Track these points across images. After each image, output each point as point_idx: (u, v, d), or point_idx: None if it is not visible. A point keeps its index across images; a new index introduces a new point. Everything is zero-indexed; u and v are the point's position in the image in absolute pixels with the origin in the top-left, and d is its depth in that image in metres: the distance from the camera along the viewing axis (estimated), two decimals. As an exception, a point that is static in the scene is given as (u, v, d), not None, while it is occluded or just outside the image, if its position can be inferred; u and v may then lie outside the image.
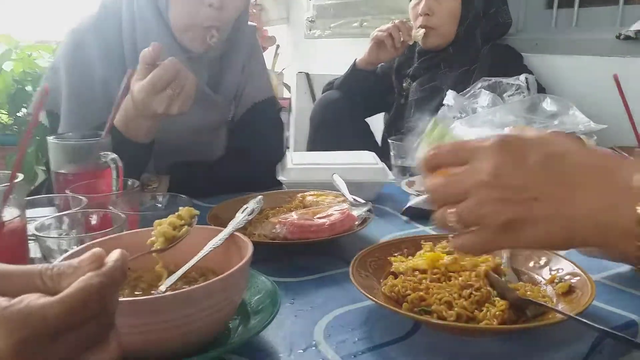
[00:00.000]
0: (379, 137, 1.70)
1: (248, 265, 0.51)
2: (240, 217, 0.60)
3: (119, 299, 0.35)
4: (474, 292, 0.55)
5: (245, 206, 0.64)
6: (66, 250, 0.56)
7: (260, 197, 0.67)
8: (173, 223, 0.55)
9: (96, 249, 0.34)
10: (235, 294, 0.51)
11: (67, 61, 1.01)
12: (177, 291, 0.47)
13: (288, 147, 2.39)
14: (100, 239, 0.57)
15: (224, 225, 0.60)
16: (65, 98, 1.00)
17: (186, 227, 0.55)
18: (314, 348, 0.53)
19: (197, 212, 0.58)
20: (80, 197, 0.69)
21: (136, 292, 0.54)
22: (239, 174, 1.07)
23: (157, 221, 0.56)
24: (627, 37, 1.24)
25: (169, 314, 0.45)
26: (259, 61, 1.21)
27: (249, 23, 1.20)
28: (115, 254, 0.34)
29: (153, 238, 0.55)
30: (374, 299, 0.55)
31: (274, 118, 1.22)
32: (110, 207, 0.67)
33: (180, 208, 0.57)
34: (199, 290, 0.46)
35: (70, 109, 1.00)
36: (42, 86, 0.64)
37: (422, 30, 1.40)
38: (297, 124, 2.27)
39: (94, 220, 0.66)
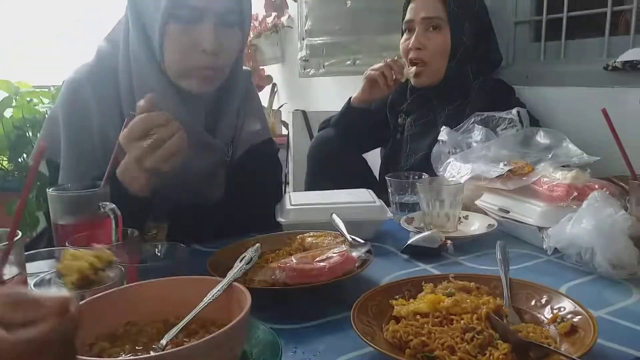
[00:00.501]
0: (376, 171, 1.71)
1: (248, 317, 0.51)
2: (238, 267, 0.61)
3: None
4: (476, 336, 0.54)
5: (243, 255, 0.64)
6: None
7: (257, 245, 0.67)
8: (93, 263, 0.56)
9: (63, 295, 0.34)
10: (236, 346, 0.50)
11: (64, 112, 1.02)
12: (179, 348, 0.47)
13: (287, 183, 2.41)
14: (100, 294, 0.57)
15: (224, 272, 0.60)
16: (64, 148, 1.01)
17: (104, 273, 0.56)
18: (318, 399, 0.52)
19: (114, 259, 0.62)
20: (79, 250, 0.69)
21: (137, 347, 0.54)
22: (238, 216, 1.07)
23: (71, 252, 0.57)
24: (615, 68, 1.26)
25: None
26: (255, 103, 1.23)
27: (245, 68, 1.22)
28: (73, 304, 0.34)
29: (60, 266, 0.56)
30: (376, 346, 0.54)
31: (272, 159, 1.24)
32: (110, 259, 0.67)
33: (102, 249, 0.58)
34: (201, 346, 0.46)
35: (69, 160, 1.01)
36: (38, 142, 0.65)
37: (413, 69, 1.43)
38: (295, 161, 2.29)
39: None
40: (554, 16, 1.57)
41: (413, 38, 1.44)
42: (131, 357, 0.48)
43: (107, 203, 0.81)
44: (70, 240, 0.74)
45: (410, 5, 1.47)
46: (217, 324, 0.56)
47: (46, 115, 1.08)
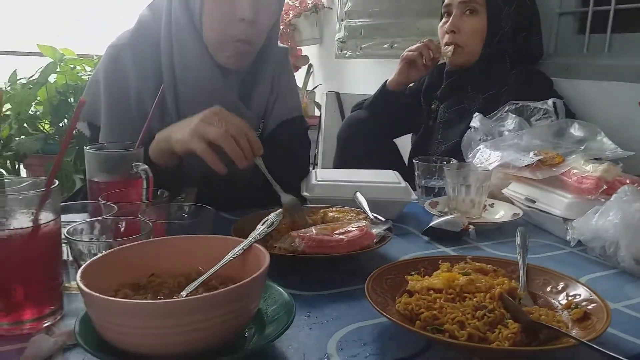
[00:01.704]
0: (406, 157, 1.70)
1: (264, 276, 0.53)
2: (260, 229, 0.62)
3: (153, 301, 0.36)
4: (487, 314, 0.55)
5: (265, 219, 0.66)
6: (95, 254, 0.60)
7: (280, 210, 0.69)
8: None
9: None
10: (251, 302, 0.52)
11: (105, 75, 1.06)
12: (194, 296, 0.49)
13: (316, 164, 2.42)
14: (127, 245, 0.60)
15: (247, 236, 0.62)
16: (104, 112, 1.05)
17: None
18: (326, 360, 0.54)
19: None
20: (111, 204, 0.73)
21: (159, 297, 0.57)
22: (265, 189, 1.09)
23: None
24: (660, 64, 1.22)
25: (186, 317, 0.47)
26: (290, 80, 1.25)
27: (282, 45, 1.24)
28: None
29: None
30: (388, 315, 0.56)
31: (302, 136, 1.25)
32: (139, 215, 0.70)
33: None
34: (215, 297, 0.48)
35: (109, 121, 1.05)
36: (80, 99, 0.68)
37: (451, 47, 1.42)
38: (325, 142, 2.29)
39: (122, 227, 0.69)
40: (601, 8, 1.52)
41: (449, 21, 1.42)
42: (149, 301, 0.50)
43: (140, 164, 0.84)
44: (103, 196, 0.77)
45: (450, -11, 1.45)
46: (237, 281, 0.58)
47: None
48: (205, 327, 0.48)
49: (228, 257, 0.58)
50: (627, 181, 0.89)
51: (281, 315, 0.56)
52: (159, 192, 0.82)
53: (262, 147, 0.89)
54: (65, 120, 2.62)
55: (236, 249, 0.58)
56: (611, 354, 0.47)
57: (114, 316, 0.48)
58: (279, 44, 1.25)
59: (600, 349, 0.47)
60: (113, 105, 1.05)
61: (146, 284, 0.59)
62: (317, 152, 2.39)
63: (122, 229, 0.69)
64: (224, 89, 1.07)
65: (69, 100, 2.63)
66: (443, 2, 1.48)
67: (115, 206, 0.72)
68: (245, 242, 0.59)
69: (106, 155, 0.86)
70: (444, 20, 1.47)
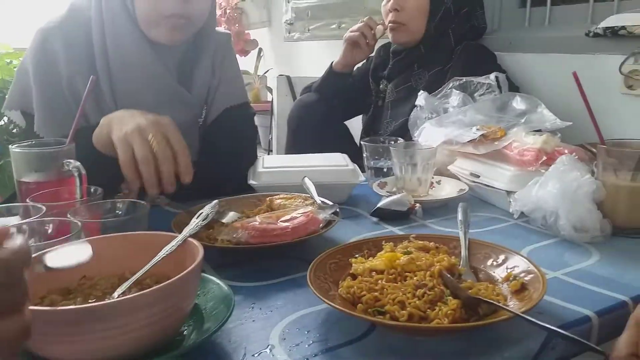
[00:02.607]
0: (357, 138, 1.70)
1: (197, 271, 0.51)
2: (194, 223, 0.60)
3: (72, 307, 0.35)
4: (427, 292, 0.55)
5: (200, 211, 0.64)
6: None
7: (215, 201, 0.67)
8: None
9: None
10: (185, 300, 0.51)
11: (34, 60, 1.01)
12: (126, 297, 0.47)
13: (271, 150, 2.39)
14: (56, 247, 0.57)
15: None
16: (36, 97, 1.00)
17: None
18: (268, 351, 0.53)
19: None
20: (39, 205, 0.69)
21: (90, 300, 0.54)
22: (212, 178, 1.06)
23: None
24: (596, 35, 1.25)
25: (117, 320, 0.45)
26: (234, 66, 1.22)
27: (224, 30, 1.20)
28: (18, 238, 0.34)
29: None
30: (329, 302, 0.55)
31: (247, 123, 1.23)
32: (68, 215, 0.67)
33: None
34: (148, 295, 0.46)
35: (42, 107, 1.00)
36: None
37: (389, 25, 1.41)
38: (279, 127, 2.27)
39: (50, 229, 0.65)
40: (540, -19, 1.55)
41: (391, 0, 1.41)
42: (77, 307, 0.48)
43: (72, 161, 0.80)
44: (32, 197, 0.73)
45: (391, -33, 1.44)
46: (171, 275, 0.56)
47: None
48: (137, 328, 0.46)
49: (161, 254, 0.56)
50: (566, 151, 0.91)
51: (220, 310, 0.54)
52: (92, 190, 0.78)
53: (191, 174, 0.83)
54: (5, 119, 2.49)
55: (169, 245, 0.56)
56: (544, 324, 0.48)
57: (37, 325, 0.45)
58: (221, 29, 1.21)
59: (534, 320, 0.48)
60: (45, 90, 1.00)
61: (77, 287, 0.56)
62: (271, 138, 2.36)
63: (51, 231, 0.65)
64: (156, 67, 1.03)
65: (6, 96, 2.50)
66: (385, -21, 1.47)
67: (43, 207, 0.68)
68: (179, 238, 0.57)
69: (35, 154, 0.81)
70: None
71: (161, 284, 0.46)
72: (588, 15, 1.42)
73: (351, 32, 1.48)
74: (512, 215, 0.90)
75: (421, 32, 1.42)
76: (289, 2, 2.25)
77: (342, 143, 1.60)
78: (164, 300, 0.47)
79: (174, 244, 0.56)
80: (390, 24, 1.42)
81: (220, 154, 1.10)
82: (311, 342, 0.55)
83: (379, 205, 0.95)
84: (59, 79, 1.00)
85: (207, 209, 0.64)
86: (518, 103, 1.10)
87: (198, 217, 0.62)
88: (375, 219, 0.94)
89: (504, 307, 0.52)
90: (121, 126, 0.84)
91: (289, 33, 2.28)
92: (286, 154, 1.64)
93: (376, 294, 0.56)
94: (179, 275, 0.47)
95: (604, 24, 1.25)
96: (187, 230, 0.58)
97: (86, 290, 0.56)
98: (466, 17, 1.45)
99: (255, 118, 2.64)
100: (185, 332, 0.54)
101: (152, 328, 0.47)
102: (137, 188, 0.81)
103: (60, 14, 1.04)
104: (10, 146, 0.81)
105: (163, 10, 0.97)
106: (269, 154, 2.42)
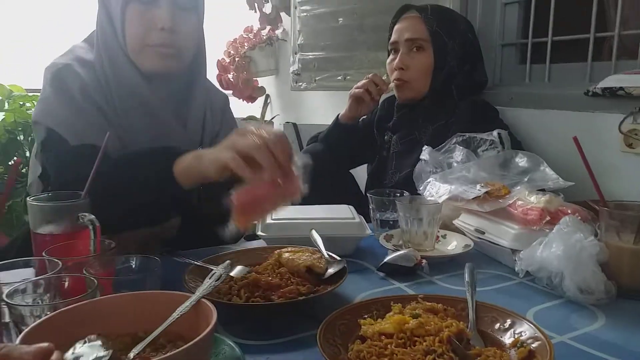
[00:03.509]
0: (363, 187, 1.73)
1: (212, 333, 0.52)
2: (207, 283, 0.62)
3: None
4: (436, 358, 0.56)
5: (212, 272, 0.65)
6: (39, 316, 0.57)
7: (228, 262, 0.69)
8: None
9: (46, 345, 0.35)
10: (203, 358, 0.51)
11: (52, 85, 1.05)
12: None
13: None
14: (73, 305, 0.58)
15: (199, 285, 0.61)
16: (60, 111, 1.03)
17: None
18: (278, 417, 0.53)
19: None
20: (55, 260, 0.70)
21: (104, 361, 0.55)
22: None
23: None
24: (595, 94, 1.29)
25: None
26: (231, 124, 1.28)
27: (223, 92, 1.28)
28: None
29: None
30: (339, 366, 0.56)
31: None
32: (85, 271, 0.68)
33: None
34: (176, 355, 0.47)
35: (66, 123, 1.03)
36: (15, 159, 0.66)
37: (392, 84, 1.47)
38: (284, 173, 2.30)
39: (67, 284, 0.66)
40: (539, 40, 1.60)
41: (397, 59, 1.47)
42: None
43: (87, 214, 0.82)
44: (47, 250, 0.75)
45: (396, 27, 1.50)
46: (185, 338, 0.57)
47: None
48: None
49: (175, 314, 0.57)
50: (569, 211, 0.92)
51: (232, 373, 0.55)
52: (106, 243, 0.79)
53: (293, 153, 0.82)
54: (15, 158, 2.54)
55: (183, 306, 0.57)
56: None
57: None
58: (220, 90, 1.28)
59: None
60: (63, 109, 1.04)
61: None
62: (277, 183, 2.40)
63: (67, 286, 0.67)
64: (152, 100, 1.08)
65: (18, 138, 2.55)
66: (389, 37, 1.53)
67: (59, 262, 0.70)
68: (193, 298, 0.58)
69: (50, 207, 0.84)
70: (391, 57, 1.52)
71: (183, 347, 0.47)
72: (586, 74, 1.47)
73: (356, 88, 1.53)
74: (517, 273, 0.91)
75: (425, 89, 1.47)
76: (296, 54, 2.32)
77: (348, 191, 1.63)
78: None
79: (187, 304, 0.57)
80: (395, 81, 1.47)
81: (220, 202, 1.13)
82: (321, 407, 0.55)
83: (385, 260, 0.96)
84: (76, 102, 1.04)
85: (221, 269, 0.65)
86: (520, 161, 1.13)
87: (211, 277, 0.63)
88: (382, 274, 0.95)
89: (513, 376, 0.52)
90: (215, 149, 0.86)
91: (296, 83, 2.34)
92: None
93: (386, 359, 0.57)
94: (198, 338, 0.48)
95: (602, 84, 1.29)
96: (200, 291, 0.60)
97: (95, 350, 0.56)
98: (468, 72, 1.50)
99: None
100: (196, 395, 0.54)
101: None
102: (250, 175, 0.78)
103: (63, 55, 1.10)
104: (28, 199, 0.83)
105: (151, 40, 1.04)
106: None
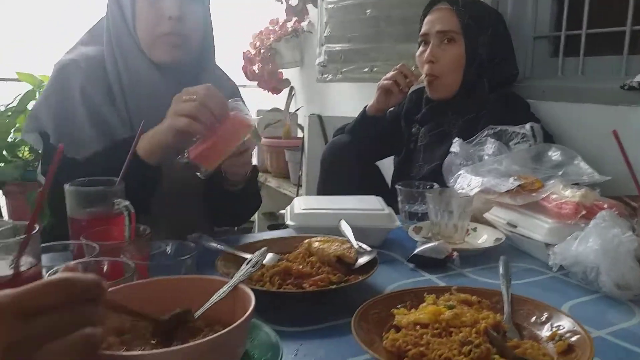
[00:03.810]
0: (389, 179, 1.72)
1: (250, 319, 0.53)
2: (244, 269, 0.62)
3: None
4: (473, 349, 0.55)
5: (249, 258, 0.66)
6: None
7: (265, 248, 0.69)
8: None
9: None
10: (238, 346, 0.52)
11: (52, 85, 1.09)
12: (182, 345, 0.49)
13: (301, 185, 2.42)
14: (112, 289, 0.59)
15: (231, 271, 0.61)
16: (51, 115, 1.07)
17: None
18: (314, 403, 0.54)
19: None
20: (93, 244, 0.72)
21: (141, 343, 0.56)
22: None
23: None
24: (631, 88, 1.26)
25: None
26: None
27: (231, 83, 1.30)
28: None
29: None
30: (375, 354, 0.55)
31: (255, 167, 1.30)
32: (122, 255, 0.69)
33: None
34: (204, 344, 0.48)
35: (56, 124, 1.07)
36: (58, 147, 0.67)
37: (422, 77, 1.45)
38: (309, 164, 2.30)
39: (105, 268, 0.68)
40: (573, 32, 1.57)
41: (427, 51, 1.45)
42: (141, 353, 0.50)
43: (122, 200, 0.83)
44: (84, 235, 0.76)
45: (427, 19, 1.48)
46: (223, 323, 0.58)
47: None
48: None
49: (213, 298, 0.58)
50: (605, 206, 0.91)
51: (268, 358, 0.55)
52: (141, 229, 0.81)
53: (224, 100, 0.95)
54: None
55: (221, 290, 0.58)
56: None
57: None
58: (230, 78, 1.31)
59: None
60: (59, 108, 1.07)
61: (130, 327, 0.58)
62: (301, 174, 2.40)
63: (105, 270, 0.68)
64: (163, 87, 1.10)
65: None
66: (420, 29, 1.51)
67: (97, 246, 0.71)
68: (231, 283, 0.59)
69: (87, 192, 0.85)
70: (421, 49, 1.50)
71: (223, 331, 0.48)
72: (622, 67, 1.43)
73: (385, 80, 1.51)
74: (550, 268, 0.90)
75: (457, 85, 1.44)
76: (322, 45, 2.31)
77: (374, 184, 1.63)
78: (224, 346, 0.48)
79: (226, 289, 0.58)
80: (426, 77, 1.45)
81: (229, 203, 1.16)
82: (357, 394, 0.55)
83: (416, 251, 0.95)
84: (73, 97, 1.07)
85: (257, 256, 0.66)
86: (554, 154, 1.11)
87: (248, 263, 0.64)
88: (411, 265, 0.95)
89: (554, 369, 0.52)
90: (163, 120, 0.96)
91: (322, 75, 2.33)
92: (318, 192, 1.66)
93: (422, 348, 0.57)
94: (237, 322, 0.49)
95: (638, 77, 1.26)
96: (237, 277, 0.60)
97: (141, 330, 0.57)
98: (499, 65, 1.48)
99: (286, 154, 2.68)
100: (233, 379, 0.55)
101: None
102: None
103: (74, 52, 1.13)
104: (65, 185, 0.84)
105: (160, 30, 1.07)
106: (298, 190, 2.44)
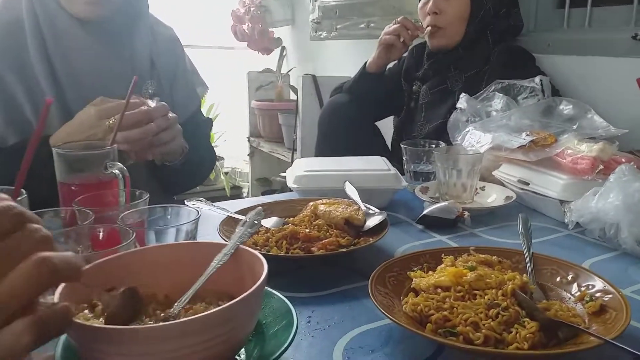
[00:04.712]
0: (388, 141, 1.67)
1: (264, 285, 0.48)
2: (240, 231, 0.58)
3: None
4: (501, 312, 0.52)
5: (244, 219, 0.61)
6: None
7: (259, 208, 0.65)
8: None
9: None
10: (252, 316, 0.48)
11: None
12: (191, 317, 0.44)
13: (295, 149, 2.37)
14: (109, 257, 0.55)
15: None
16: None
17: None
18: (333, 373, 0.50)
19: None
20: (87, 210, 0.67)
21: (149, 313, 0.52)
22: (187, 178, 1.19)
23: None
24: (645, 38, 1.20)
25: (182, 339, 0.43)
26: (186, 71, 1.25)
27: (172, 32, 1.23)
28: None
29: None
30: (396, 319, 0.52)
31: (205, 126, 1.28)
32: (118, 222, 0.65)
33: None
34: (213, 316, 0.44)
35: None
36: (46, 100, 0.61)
37: (428, 29, 1.38)
38: (304, 126, 2.24)
39: (101, 235, 0.63)
40: (580, -19, 1.50)
41: (431, 2, 1.37)
42: (139, 327, 0.46)
43: (115, 163, 0.78)
44: (76, 201, 0.71)
45: (429, -33, 1.40)
46: (230, 293, 0.53)
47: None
48: (207, 348, 0.44)
49: (214, 263, 0.53)
50: (623, 160, 0.87)
51: (282, 327, 0.51)
52: (137, 193, 0.76)
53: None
54: None
55: (221, 254, 0.54)
56: (636, 352, 0.44)
57: (99, 344, 0.43)
58: (166, 24, 1.23)
59: (628, 348, 0.44)
60: None
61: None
62: (296, 137, 2.34)
63: (101, 238, 0.63)
64: (89, 42, 1.04)
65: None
66: (421, -20, 1.43)
67: (91, 212, 0.66)
68: (229, 246, 0.54)
69: (77, 155, 0.79)
70: (423, 0, 1.42)
71: (235, 300, 0.44)
72: (632, 18, 1.37)
73: (386, 34, 1.44)
74: (564, 225, 0.87)
75: (460, 36, 1.38)
76: (315, 1, 2.22)
77: (374, 145, 1.58)
78: (234, 318, 0.44)
79: (226, 252, 0.53)
80: (429, 27, 1.38)
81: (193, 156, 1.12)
82: (377, 362, 0.52)
83: (425, 212, 0.92)
84: None
85: (253, 216, 0.61)
86: (566, 108, 1.06)
87: (243, 224, 0.59)
88: (420, 226, 0.91)
89: (591, 332, 0.48)
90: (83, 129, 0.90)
91: (316, 32, 2.24)
92: (316, 155, 1.61)
93: (445, 313, 0.53)
94: (250, 290, 0.45)
95: (652, 26, 1.20)
96: (235, 239, 0.56)
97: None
98: (504, 16, 1.41)
99: (280, 117, 2.62)
100: (245, 350, 0.51)
101: (223, 346, 0.44)
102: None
103: None
104: (53, 147, 0.79)
105: None
106: (293, 154, 2.39)
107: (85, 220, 0.65)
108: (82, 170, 0.79)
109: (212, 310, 0.44)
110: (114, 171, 0.77)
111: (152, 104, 0.93)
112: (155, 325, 0.47)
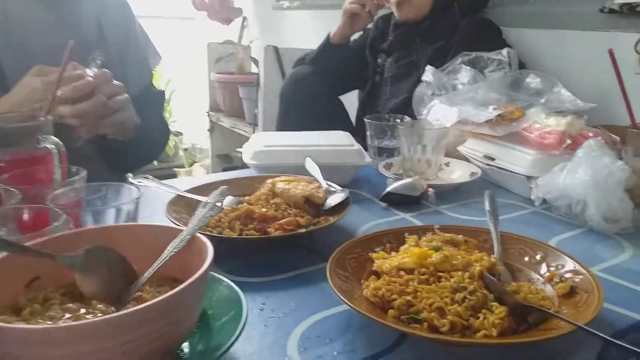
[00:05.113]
0: (352, 116, 1.62)
1: (208, 274, 0.43)
2: (201, 214, 0.52)
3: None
4: (468, 296, 0.48)
5: (206, 200, 0.55)
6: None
7: (224, 187, 0.59)
8: None
9: None
10: (193, 308, 0.43)
11: None
12: (124, 312, 0.39)
13: (257, 125, 2.29)
14: (36, 241, 0.48)
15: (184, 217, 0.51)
16: None
17: None
18: (287, 366, 0.46)
19: None
20: (13, 189, 0.59)
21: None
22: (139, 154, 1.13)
23: None
24: (612, 11, 1.18)
25: (118, 337, 0.37)
26: (138, 40, 1.17)
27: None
28: None
29: None
30: (355, 306, 0.48)
31: (158, 98, 1.22)
32: (48, 202, 0.58)
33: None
34: (152, 307, 0.38)
35: None
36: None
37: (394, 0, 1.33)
38: (265, 100, 2.16)
39: (27, 217, 0.56)
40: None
41: None
42: (56, 325, 0.40)
43: (49, 136, 0.70)
44: (4, 178, 0.63)
45: None
46: (178, 280, 0.48)
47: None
48: (144, 344, 0.38)
49: (168, 251, 0.47)
50: (590, 135, 0.84)
51: (229, 318, 0.46)
52: (74, 170, 0.68)
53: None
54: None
55: (176, 241, 0.48)
56: (611, 339, 0.41)
57: (11, 345, 0.37)
58: None
59: (600, 334, 0.41)
60: None
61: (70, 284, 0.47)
62: (257, 112, 2.26)
63: (27, 219, 0.56)
64: (30, 7, 0.97)
65: None
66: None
67: (17, 191, 0.59)
68: (187, 231, 0.48)
69: (4, 128, 0.71)
70: None
71: (173, 291, 0.38)
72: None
73: (351, 3, 1.38)
74: (529, 202, 0.84)
75: (428, 7, 1.33)
76: (278, -32, 2.12)
77: (337, 119, 1.52)
78: (176, 310, 0.39)
79: (182, 238, 0.48)
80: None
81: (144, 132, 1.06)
82: (335, 353, 0.48)
83: (388, 189, 0.87)
84: None
85: (216, 196, 0.55)
86: (533, 81, 1.03)
87: (205, 206, 0.54)
88: (384, 204, 0.87)
89: (562, 317, 0.45)
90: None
91: (278, 1, 2.15)
92: (277, 129, 1.55)
93: (409, 297, 0.49)
94: (193, 278, 0.39)
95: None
96: (195, 223, 0.50)
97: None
98: (472, -12, 1.37)
99: (240, 90, 2.52)
100: (189, 343, 0.46)
101: (161, 341, 0.39)
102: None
103: None
104: (-23, 119, 0.70)
105: None
106: (254, 129, 2.31)
107: (12, 200, 0.58)
108: (11, 144, 0.71)
109: (152, 302, 0.38)
110: (47, 145, 0.69)
111: (91, 72, 0.84)
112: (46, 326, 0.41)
